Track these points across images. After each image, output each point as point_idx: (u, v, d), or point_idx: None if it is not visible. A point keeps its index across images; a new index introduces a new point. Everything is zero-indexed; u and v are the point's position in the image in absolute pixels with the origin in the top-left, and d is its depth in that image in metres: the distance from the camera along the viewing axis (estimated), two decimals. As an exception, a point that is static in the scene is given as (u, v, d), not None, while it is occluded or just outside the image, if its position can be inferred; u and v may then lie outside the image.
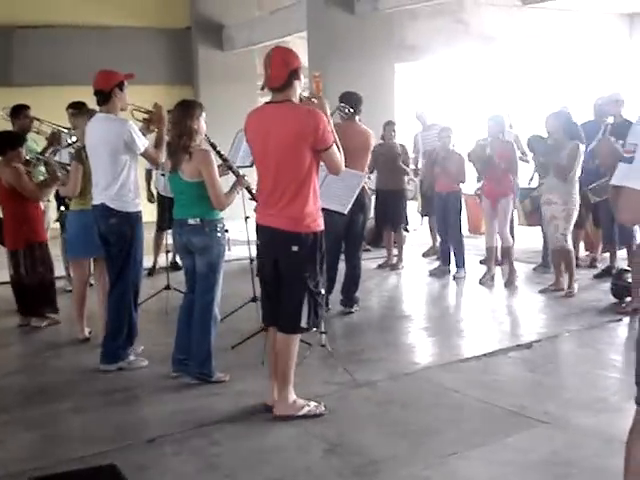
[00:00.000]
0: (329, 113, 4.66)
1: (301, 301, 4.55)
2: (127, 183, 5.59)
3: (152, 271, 9.10)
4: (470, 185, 9.37)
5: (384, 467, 4.04)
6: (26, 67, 13.28)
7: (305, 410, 4.69)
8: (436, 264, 9.37)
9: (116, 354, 5.71)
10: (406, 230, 10.15)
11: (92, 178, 5.79)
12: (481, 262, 9.23)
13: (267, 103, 4.61)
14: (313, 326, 4.68)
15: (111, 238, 5.65)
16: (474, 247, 9.89)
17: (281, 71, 4.42)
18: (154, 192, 9.04)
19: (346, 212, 5.50)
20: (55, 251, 7.50)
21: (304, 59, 12.16)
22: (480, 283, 8.50)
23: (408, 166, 9.64)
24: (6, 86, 12.77)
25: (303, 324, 4.58)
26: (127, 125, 5.52)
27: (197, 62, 14.42)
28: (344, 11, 10.69)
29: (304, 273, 4.53)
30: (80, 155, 6.12)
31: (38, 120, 7.56)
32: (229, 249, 5.32)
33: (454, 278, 8.81)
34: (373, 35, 10.68)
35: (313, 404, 4.75)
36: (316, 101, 4.66)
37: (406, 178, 9.86)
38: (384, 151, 9.28)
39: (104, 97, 5.59)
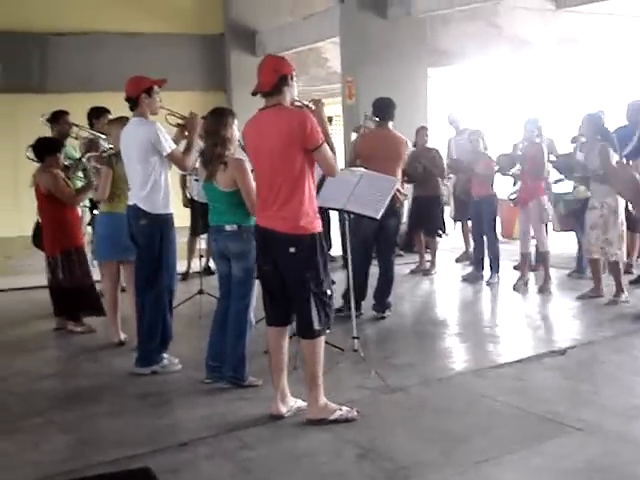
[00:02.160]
0: (326, 119, 4.73)
1: (308, 304, 4.58)
2: (157, 185, 5.65)
3: (186, 276, 9.15)
4: (504, 189, 9.32)
5: (416, 472, 4.04)
6: (61, 74, 13.47)
7: (337, 414, 4.69)
8: (469, 269, 9.33)
9: (150, 358, 5.76)
10: (440, 235, 10.10)
11: (128, 180, 5.86)
12: (515, 268, 9.17)
13: (261, 109, 4.70)
14: (326, 327, 4.68)
15: (141, 239, 5.71)
16: (507, 252, 9.82)
17: (270, 77, 4.56)
18: (189, 196, 9.11)
19: (379, 217, 5.51)
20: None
21: (337, 64, 12.22)
22: (514, 289, 8.44)
23: (443, 171, 9.59)
24: (41, 92, 12.97)
25: (316, 327, 4.61)
26: (154, 127, 5.60)
27: (230, 68, 14.52)
28: (377, 16, 10.69)
29: (305, 274, 4.56)
30: (110, 160, 6.22)
31: (76, 126, 7.64)
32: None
33: (487, 284, 8.77)
34: (406, 40, 10.66)
35: (345, 409, 4.75)
36: (313, 107, 4.71)
37: (441, 183, 9.83)
38: (419, 156, 9.25)
39: (133, 103, 5.69)
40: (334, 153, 4.67)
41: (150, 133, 5.57)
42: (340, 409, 4.73)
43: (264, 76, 4.59)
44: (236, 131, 5.27)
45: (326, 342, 5.19)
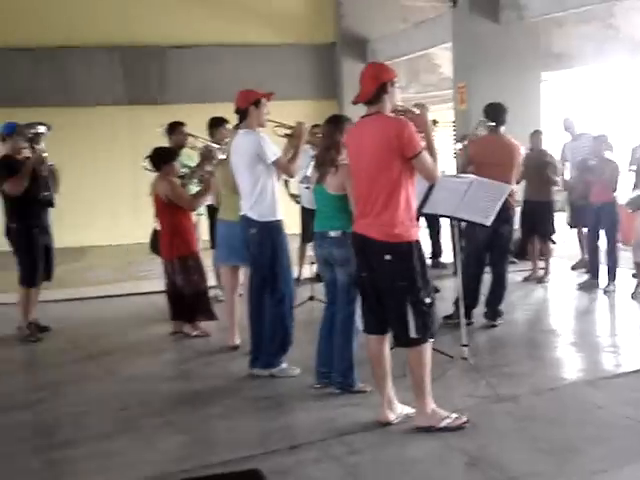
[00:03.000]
0: (430, 123, 4.74)
1: (404, 311, 4.56)
2: (264, 193, 5.76)
3: (297, 282, 9.26)
4: (623, 195, 9.05)
5: (526, 483, 3.99)
6: (178, 85, 13.88)
7: (446, 422, 4.68)
8: (585, 277, 9.09)
9: (268, 361, 5.89)
10: (554, 242, 9.90)
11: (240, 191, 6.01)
12: (634, 276, 8.88)
13: (362, 117, 4.74)
14: (427, 336, 4.65)
15: (253, 248, 5.85)
16: (627, 260, 9.51)
17: (370, 85, 4.59)
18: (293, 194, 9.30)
19: (488, 224, 5.45)
20: (207, 262, 7.79)
21: (448, 70, 12.15)
22: (632, 297, 8.19)
23: (557, 176, 9.40)
24: (159, 104, 13.40)
25: (412, 335, 4.59)
26: (258, 137, 5.73)
27: (342, 76, 14.61)
28: (489, 21, 10.56)
29: (400, 283, 4.55)
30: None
31: (192, 136, 7.88)
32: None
33: (604, 292, 8.53)
34: (518, 44, 10.49)
35: (454, 416, 4.73)
36: (417, 112, 4.70)
37: (555, 188, 9.65)
38: (532, 161, 9.11)
39: (242, 114, 5.84)
40: (435, 159, 4.64)
41: (254, 143, 5.70)
42: (449, 417, 4.71)
43: (364, 85, 4.63)
44: None
45: (435, 349, 5.19)
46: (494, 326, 7.22)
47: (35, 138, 7.36)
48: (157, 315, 7.80)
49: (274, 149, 5.78)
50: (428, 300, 4.65)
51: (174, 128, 8.00)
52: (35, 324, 7.50)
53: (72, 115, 13.16)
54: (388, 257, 4.54)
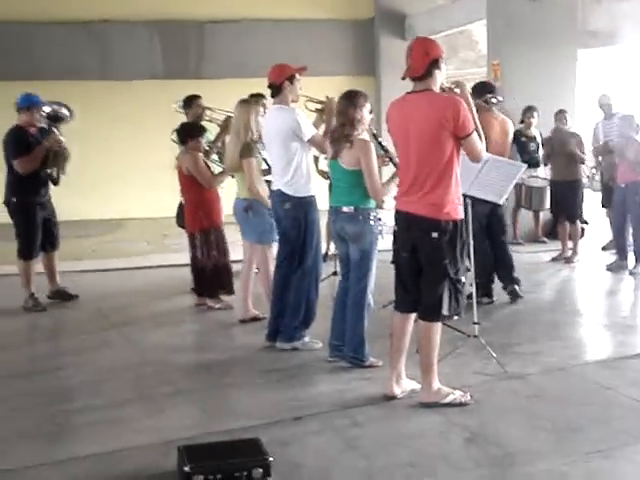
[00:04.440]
0: (471, 102, 4.68)
1: (442, 289, 4.60)
2: (299, 169, 5.82)
3: (325, 257, 9.31)
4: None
5: (522, 460, 4.02)
6: (216, 60, 13.96)
7: (450, 398, 4.72)
8: (614, 258, 9.01)
9: (292, 334, 5.96)
10: (584, 222, 9.83)
11: (272, 165, 6.13)
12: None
13: (408, 93, 4.69)
14: (454, 314, 4.70)
15: (286, 222, 5.91)
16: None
17: (421, 61, 4.51)
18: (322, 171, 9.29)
19: (501, 202, 5.46)
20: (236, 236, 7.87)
21: (484, 46, 12.02)
22: (659, 279, 8.12)
23: (584, 153, 9.31)
24: (198, 78, 13.49)
25: (444, 311, 4.64)
26: (294, 114, 5.76)
27: (379, 52, 14.56)
28: (525, -3, 10.43)
29: (444, 260, 4.57)
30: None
31: (209, 109, 7.89)
32: (382, 237, 5.42)
33: (631, 273, 8.45)
34: (554, 21, 10.33)
35: (459, 393, 4.77)
36: (459, 90, 4.68)
37: (585, 168, 9.57)
38: (556, 140, 9.04)
39: (276, 89, 5.87)
40: (481, 138, 4.64)
41: (291, 120, 5.74)
42: (453, 393, 4.75)
43: (415, 60, 4.53)
44: (367, 114, 5.34)
45: (448, 326, 5.24)
46: (516, 295, 7.23)
47: (56, 118, 7.43)
48: (184, 287, 7.90)
49: (310, 126, 5.83)
50: (463, 279, 4.71)
51: (191, 101, 7.94)
52: (60, 291, 7.77)
53: (110, 89, 13.37)
54: (435, 235, 4.54)
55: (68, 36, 13.38)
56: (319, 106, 6.21)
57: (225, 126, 7.16)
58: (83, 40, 13.53)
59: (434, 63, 4.52)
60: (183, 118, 7.91)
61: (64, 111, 7.53)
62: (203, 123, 7.73)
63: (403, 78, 4.65)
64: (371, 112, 5.81)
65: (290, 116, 5.76)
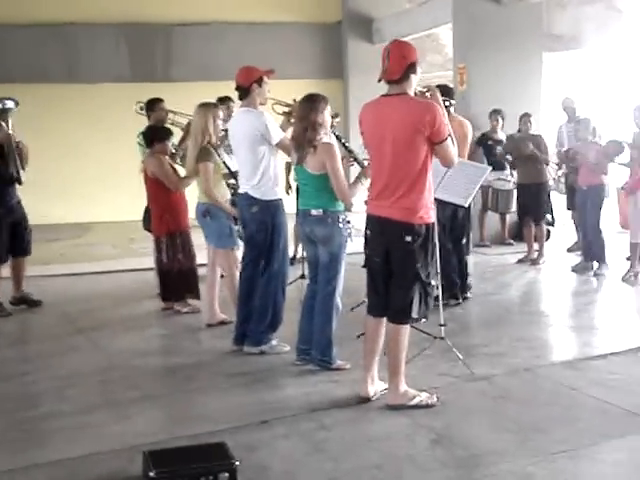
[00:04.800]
0: (443, 107, 4.69)
1: (412, 292, 4.62)
2: (267, 172, 5.82)
3: (293, 260, 9.31)
4: (619, 178, 9.06)
5: (487, 461, 4.05)
6: (184, 63, 13.92)
7: (416, 400, 4.74)
8: (579, 260, 9.11)
9: (259, 338, 5.95)
10: (549, 224, 9.92)
11: (238, 168, 6.12)
12: (627, 258, 8.89)
13: (383, 96, 4.68)
14: (423, 316, 4.73)
15: (254, 226, 5.90)
16: (625, 243, 9.51)
17: (399, 64, 4.52)
18: (292, 184, 9.25)
19: (467, 205, 5.50)
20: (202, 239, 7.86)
21: (451, 50, 12.09)
22: (623, 280, 8.20)
23: (547, 154, 9.42)
24: (165, 81, 13.44)
25: (414, 314, 4.66)
26: (263, 117, 5.75)
27: (347, 56, 14.60)
28: (490, 1, 10.49)
29: (416, 264, 4.60)
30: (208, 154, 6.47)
31: (173, 112, 7.86)
32: (351, 240, 5.44)
33: (595, 275, 8.55)
34: (520, 25, 10.42)
35: (425, 395, 4.79)
36: (430, 95, 4.70)
37: (551, 170, 9.67)
38: (519, 143, 9.15)
39: (244, 92, 5.85)
40: (454, 144, 4.66)
41: (259, 123, 5.73)
42: (419, 395, 4.77)
43: (392, 63, 4.53)
44: (327, 116, 5.33)
45: (415, 328, 5.26)
46: (466, 298, 7.34)
47: (2, 114, 7.30)
48: (151, 291, 7.87)
49: (278, 130, 5.83)
50: (433, 282, 4.75)
51: (154, 105, 7.88)
52: (24, 297, 7.66)
53: (76, 92, 13.30)
54: (408, 239, 4.56)
55: (35, 39, 13.24)
56: (287, 109, 6.22)
57: (187, 130, 7.14)
58: (50, 43, 13.40)
59: (411, 67, 4.53)
60: (147, 121, 7.86)
61: (8, 103, 7.39)
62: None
63: (379, 80, 4.65)
64: (338, 116, 5.86)
65: (258, 119, 5.75)
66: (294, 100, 6.06)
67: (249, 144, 5.78)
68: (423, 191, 4.56)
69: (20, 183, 7.47)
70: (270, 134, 5.73)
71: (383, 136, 4.59)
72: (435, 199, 5.72)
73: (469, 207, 6.99)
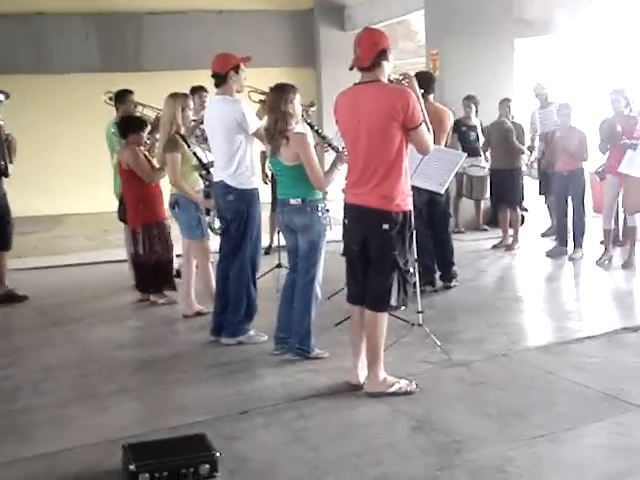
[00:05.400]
0: (419, 94, 4.68)
1: (391, 280, 4.62)
2: (244, 161, 5.77)
3: (269, 250, 9.29)
4: (592, 163, 9.10)
5: (468, 446, 4.05)
6: (156, 52, 13.80)
7: (395, 387, 4.75)
8: (554, 245, 9.16)
9: (236, 329, 5.93)
10: (524, 209, 9.98)
11: (213, 157, 6.06)
12: (601, 242, 8.95)
13: (356, 84, 4.67)
14: (402, 304, 4.73)
15: (228, 214, 5.86)
16: (598, 227, 9.58)
17: (370, 51, 4.50)
18: (268, 173, 9.22)
19: (442, 192, 5.51)
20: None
21: (423, 37, 12.09)
22: (597, 264, 8.26)
23: (523, 144, 9.46)
24: (137, 71, 13.33)
25: (393, 302, 4.66)
26: (240, 105, 5.71)
27: (319, 43, 14.55)
28: (462, -13, 10.50)
29: (394, 251, 4.59)
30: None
31: (142, 105, 7.79)
32: (330, 228, 5.43)
33: (570, 259, 8.60)
34: (491, 11, 10.41)
35: (404, 382, 4.80)
36: (406, 82, 4.69)
37: (525, 156, 9.72)
38: (496, 129, 9.18)
39: (220, 79, 5.79)
40: (430, 130, 4.65)
41: (236, 111, 5.68)
42: (399, 382, 4.78)
43: (364, 50, 4.52)
44: (298, 106, 5.30)
45: (393, 315, 5.26)
46: (449, 287, 7.37)
47: None
48: (127, 283, 7.81)
49: (255, 119, 5.79)
50: (411, 269, 4.74)
51: (123, 96, 7.81)
52: (9, 294, 7.53)
53: (46, 82, 13.12)
54: (386, 226, 4.55)
55: (2, 29, 13.07)
56: (263, 97, 6.17)
57: (156, 125, 7.06)
58: (18, 33, 13.22)
59: (382, 54, 4.52)
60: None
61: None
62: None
63: (351, 68, 4.64)
64: (313, 105, 5.81)
65: (235, 107, 5.70)
66: (270, 88, 6.02)
67: (226, 132, 5.73)
68: (399, 178, 4.56)
69: (7, 176, 7.39)
70: (247, 123, 5.69)
71: (357, 124, 4.58)
72: (413, 187, 5.78)
73: (448, 194, 7.05)
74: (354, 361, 4.90)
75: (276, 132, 5.21)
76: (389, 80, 4.66)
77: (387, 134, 4.48)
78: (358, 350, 4.89)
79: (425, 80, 7.26)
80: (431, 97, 7.29)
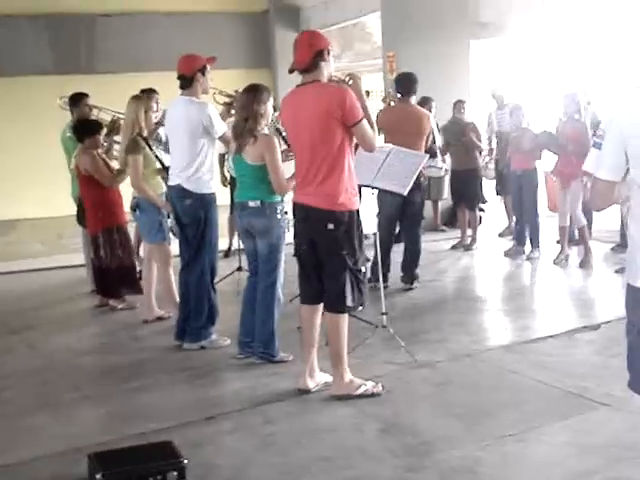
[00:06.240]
0: (363, 93, 4.73)
1: (343, 280, 4.63)
2: (204, 165, 5.73)
3: (227, 253, 9.25)
4: (548, 163, 9.21)
5: (437, 447, 4.07)
6: (109, 54, 13.62)
7: (362, 390, 4.75)
8: (512, 244, 9.24)
9: (198, 333, 5.88)
10: (481, 210, 10.06)
11: (171, 160, 5.98)
12: (558, 242, 9.06)
13: (298, 85, 4.74)
14: (359, 304, 4.73)
15: (185, 219, 5.81)
16: (554, 226, 9.69)
17: (306, 53, 4.57)
18: (227, 176, 9.17)
19: (405, 193, 5.52)
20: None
21: (379, 39, 12.12)
22: (554, 263, 8.36)
23: (480, 141, 9.55)
24: (90, 73, 13.15)
25: (349, 303, 4.67)
26: (207, 108, 5.65)
27: (275, 45, 14.52)
28: (418, -11, 10.55)
29: (341, 251, 4.61)
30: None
31: (97, 108, 7.69)
32: (289, 231, 5.40)
33: (527, 258, 8.69)
34: (447, 13, 10.48)
35: (370, 384, 4.80)
36: (350, 82, 4.71)
37: (482, 157, 9.80)
38: (453, 128, 9.25)
39: (187, 81, 5.72)
40: (373, 128, 4.68)
41: (202, 114, 5.61)
42: (365, 384, 4.78)
43: (300, 53, 4.60)
44: (270, 108, 5.30)
45: (356, 317, 5.26)
46: (411, 289, 7.39)
47: None
48: (84, 288, 7.72)
49: (222, 122, 5.74)
50: (363, 269, 4.74)
51: (78, 100, 7.69)
52: None
53: (-1, 85, 12.90)
54: (331, 226, 4.57)
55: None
56: (227, 99, 6.13)
57: (112, 128, 6.97)
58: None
59: (319, 55, 4.56)
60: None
61: None
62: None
63: (290, 71, 4.71)
64: (276, 110, 5.78)
65: (202, 111, 5.63)
66: (236, 91, 5.99)
67: (189, 134, 5.66)
68: (342, 176, 4.57)
69: None
70: (214, 126, 5.65)
71: (300, 124, 4.64)
72: (376, 188, 5.79)
73: (423, 196, 7.07)
74: (303, 366, 4.90)
75: (245, 130, 5.17)
76: (332, 80, 4.69)
77: (328, 132, 4.52)
78: (307, 354, 4.88)
79: (405, 82, 7.34)
80: (412, 99, 7.32)
